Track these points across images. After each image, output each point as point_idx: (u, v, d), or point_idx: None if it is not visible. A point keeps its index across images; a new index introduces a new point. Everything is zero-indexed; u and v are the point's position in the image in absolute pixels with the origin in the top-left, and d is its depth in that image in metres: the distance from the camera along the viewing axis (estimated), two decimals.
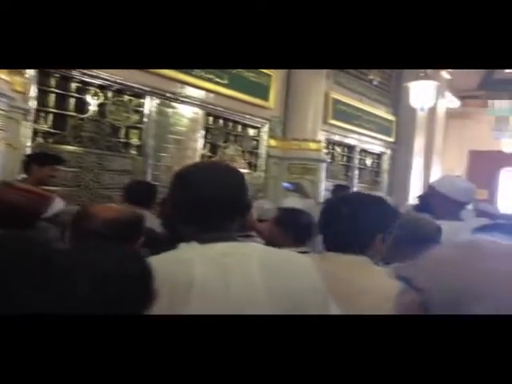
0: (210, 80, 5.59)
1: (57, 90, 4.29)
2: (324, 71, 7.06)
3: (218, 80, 5.68)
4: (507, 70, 9.38)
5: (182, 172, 1.28)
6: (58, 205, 2.59)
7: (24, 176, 3.61)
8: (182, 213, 1.25)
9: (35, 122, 4.11)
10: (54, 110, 4.28)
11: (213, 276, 1.11)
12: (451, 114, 11.20)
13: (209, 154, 5.90)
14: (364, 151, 8.95)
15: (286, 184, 6.11)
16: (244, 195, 1.27)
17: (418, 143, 9.58)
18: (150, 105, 5.06)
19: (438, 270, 0.85)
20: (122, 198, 3.35)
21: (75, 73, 4.32)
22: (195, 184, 1.22)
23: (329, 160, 7.82)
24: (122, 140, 4.87)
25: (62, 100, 4.34)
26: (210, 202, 1.19)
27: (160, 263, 1.03)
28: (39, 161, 3.56)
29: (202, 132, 5.74)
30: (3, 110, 3.42)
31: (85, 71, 4.35)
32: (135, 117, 4.98)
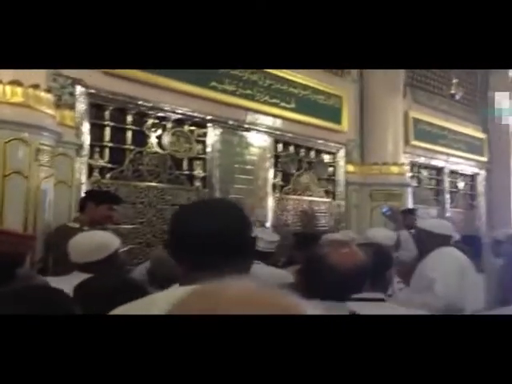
0: (275, 105, 5.29)
1: (112, 123, 4.12)
2: (400, 89, 6.59)
3: (284, 104, 5.37)
4: None
5: (178, 209, 1.31)
6: (114, 244, 2.48)
7: (78, 215, 3.42)
8: (171, 251, 1.22)
9: (90, 157, 3.95)
10: (110, 144, 4.11)
11: None
12: None
13: (281, 183, 5.54)
14: (454, 173, 8.24)
15: (385, 209, 5.63)
16: (242, 233, 1.20)
17: None
18: (212, 134, 4.80)
19: None
20: None
21: (131, 105, 4.16)
22: (183, 221, 1.20)
23: (415, 184, 7.21)
24: (185, 172, 4.61)
25: (117, 133, 4.17)
26: (198, 240, 1.14)
27: (137, 304, 1.06)
28: (96, 199, 3.35)
29: (272, 160, 5.41)
30: (49, 146, 3.24)
31: (141, 103, 4.17)
32: (198, 147, 4.73)
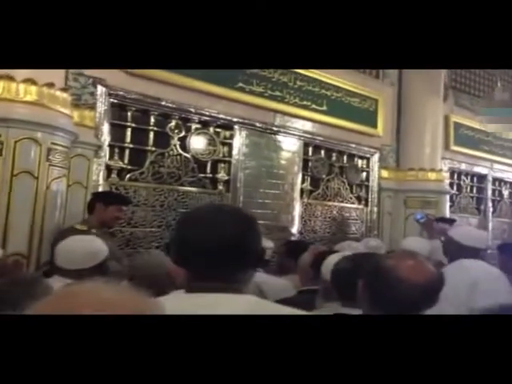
0: (305, 107, 5.12)
1: (133, 124, 4.05)
2: (440, 92, 6.31)
3: (314, 107, 5.20)
4: None
5: (183, 214, 1.28)
6: (103, 252, 2.44)
7: (87, 216, 3.37)
8: (176, 258, 1.19)
9: (109, 158, 3.89)
10: (130, 145, 4.04)
11: None
12: None
13: (310, 188, 5.36)
14: (499, 180, 7.85)
15: (419, 215, 5.40)
16: (250, 243, 1.17)
17: None
18: (239, 136, 4.68)
19: None
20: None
21: (154, 106, 4.07)
22: (187, 228, 1.16)
23: (454, 191, 6.90)
24: (209, 175, 4.50)
25: (139, 134, 4.09)
26: (202, 248, 1.11)
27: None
28: (104, 200, 3.32)
29: (301, 164, 5.23)
30: (63, 146, 3.18)
31: (165, 103, 4.09)
32: (223, 150, 4.62)
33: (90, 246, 2.42)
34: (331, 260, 2.21)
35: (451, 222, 5.53)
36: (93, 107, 3.68)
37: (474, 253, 2.95)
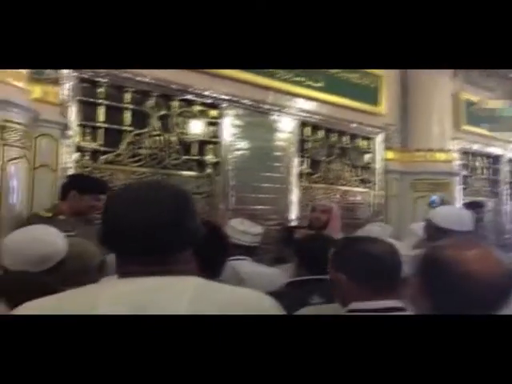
0: (299, 83, 4.75)
1: (106, 102, 3.71)
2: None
3: (310, 83, 4.83)
4: None
5: (108, 197, 1.20)
6: (60, 253, 1.90)
7: (57, 202, 3.01)
8: (103, 241, 1.08)
9: (81, 139, 3.56)
10: (104, 125, 3.69)
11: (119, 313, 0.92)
12: None
13: (308, 170, 5.00)
14: None
15: (434, 197, 5.03)
16: (185, 220, 1.06)
17: None
18: (227, 116, 4.33)
19: None
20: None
21: (128, 81, 3.73)
22: (118, 205, 1.06)
23: (465, 173, 6.49)
24: (195, 157, 4.16)
25: (112, 113, 3.75)
26: (135, 227, 1.01)
27: (65, 296, 0.99)
28: (80, 188, 2.90)
29: (298, 145, 4.87)
30: (19, 124, 2.85)
31: (141, 79, 3.75)
32: (211, 130, 4.28)
33: (45, 244, 1.86)
34: None
35: (480, 206, 5.17)
36: (57, 82, 3.34)
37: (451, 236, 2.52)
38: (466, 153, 6.65)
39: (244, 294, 1.07)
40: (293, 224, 4.59)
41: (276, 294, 2.14)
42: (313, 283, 2.08)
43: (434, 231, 2.64)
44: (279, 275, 2.54)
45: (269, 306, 1.04)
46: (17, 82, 2.87)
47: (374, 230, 3.48)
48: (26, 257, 1.79)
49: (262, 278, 2.46)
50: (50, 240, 1.88)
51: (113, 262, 1.08)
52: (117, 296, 0.96)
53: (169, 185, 1.16)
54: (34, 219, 2.68)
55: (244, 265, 2.52)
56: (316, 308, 1.80)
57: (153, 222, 1.01)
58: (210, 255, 1.65)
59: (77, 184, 2.96)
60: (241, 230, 2.74)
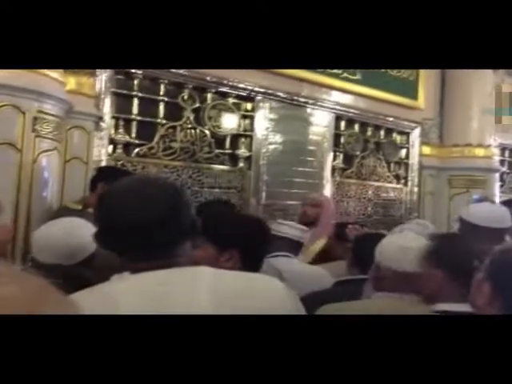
0: (336, 76, 4.62)
1: (140, 94, 3.65)
2: None
3: (347, 75, 4.70)
4: None
5: (101, 194, 1.15)
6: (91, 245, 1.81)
7: (86, 195, 2.98)
8: (105, 241, 1.08)
9: (115, 131, 3.52)
10: (137, 117, 3.64)
11: (143, 308, 0.92)
12: None
13: (342, 165, 4.89)
14: None
15: (476, 196, 4.90)
16: (176, 212, 1.05)
17: None
18: (262, 109, 4.24)
19: None
20: None
21: (162, 73, 3.67)
22: (113, 204, 1.06)
23: (504, 169, 6.28)
24: (228, 151, 4.09)
25: (146, 105, 3.69)
26: (134, 225, 1.01)
27: (82, 298, 0.89)
28: (107, 178, 2.86)
29: (332, 140, 4.76)
30: (53, 115, 2.81)
31: (175, 71, 3.68)
32: (244, 123, 4.20)
33: (75, 236, 1.82)
34: (391, 242, 1.82)
35: None
36: (93, 73, 3.30)
37: (493, 235, 2.41)
38: (504, 148, 6.43)
39: (257, 278, 1.14)
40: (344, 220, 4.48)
41: (325, 293, 2.06)
42: (363, 283, 1.98)
43: (470, 229, 2.50)
44: (324, 275, 2.43)
45: (282, 288, 1.08)
46: (51, 72, 2.82)
47: (414, 228, 3.35)
48: (58, 250, 1.77)
49: (304, 276, 2.32)
50: (81, 233, 1.83)
51: None
52: (140, 291, 0.98)
53: (159, 179, 1.20)
54: (63, 212, 2.65)
55: (287, 262, 2.38)
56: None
57: (148, 219, 1.02)
58: (251, 249, 1.63)
59: (105, 176, 2.91)
60: (288, 224, 2.62)
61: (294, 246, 2.53)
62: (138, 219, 1.01)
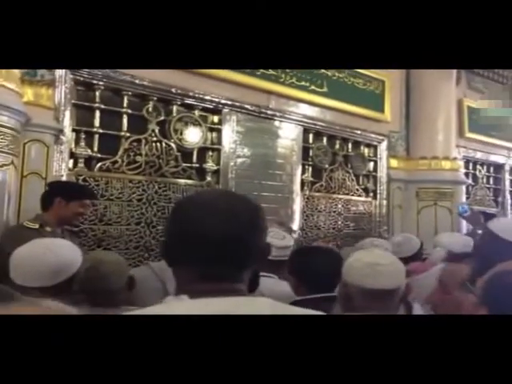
0: (303, 88, 4.57)
1: (102, 106, 3.50)
2: (453, 74, 5.75)
3: (314, 88, 4.65)
4: None
5: (177, 203, 1.05)
6: (76, 263, 1.79)
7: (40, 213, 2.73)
8: (170, 255, 0.98)
9: (75, 145, 3.35)
10: (99, 130, 3.48)
11: None
12: None
13: (311, 179, 4.81)
14: None
15: (463, 207, 4.87)
16: (256, 234, 0.97)
17: None
18: (229, 121, 4.13)
19: None
20: None
21: (125, 85, 3.53)
22: (186, 218, 0.96)
23: (470, 182, 6.33)
24: (195, 165, 3.95)
25: (109, 118, 3.54)
26: (205, 243, 0.92)
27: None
28: (64, 194, 2.69)
29: (301, 153, 4.68)
30: (9, 128, 2.64)
31: (139, 82, 3.54)
32: (211, 136, 4.08)
33: (60, 257, 1.74)
34: (357, 259, 1.69)
35: (491, 216, 5.04)
36: (51, 84, 3.13)
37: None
38: (468, 161, 6.50)
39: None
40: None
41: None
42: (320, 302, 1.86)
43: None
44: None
45: None
46: (7, 83, 2.66)
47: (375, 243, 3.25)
48: (38, 272, 1.68)
49: (282, 295, 2.18)
50: (63, 249, 1.80)
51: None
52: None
53: (243, 197, 1.07)
54: (20, 231, 2.50)
55: (269, 284, 2.20)
56: None
57: (228, 235, 0.93)
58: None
59: (62, 191, 2.76)
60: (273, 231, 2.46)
61: (276, 266, 2.33)
62: (217, 232, 0.92)
